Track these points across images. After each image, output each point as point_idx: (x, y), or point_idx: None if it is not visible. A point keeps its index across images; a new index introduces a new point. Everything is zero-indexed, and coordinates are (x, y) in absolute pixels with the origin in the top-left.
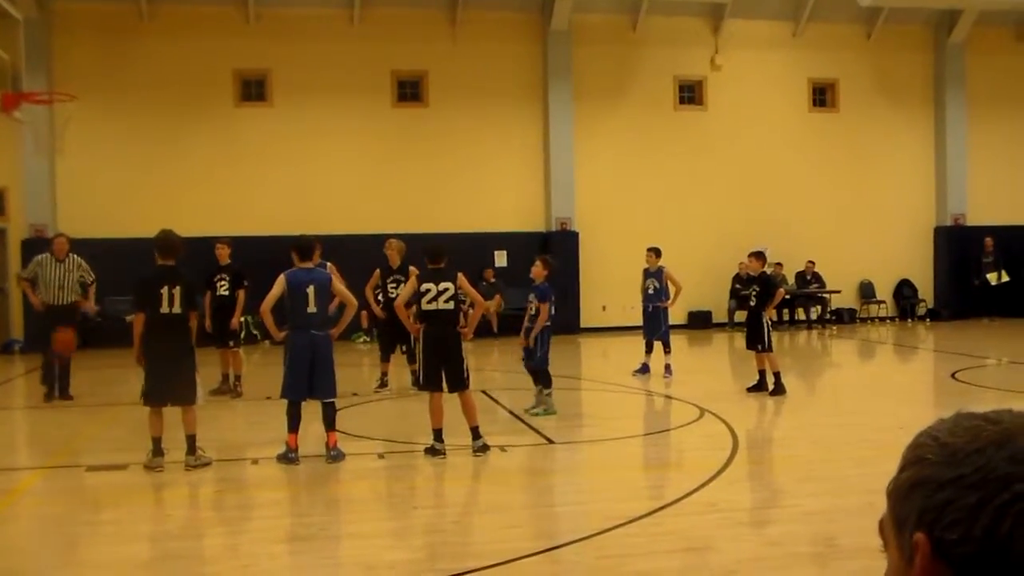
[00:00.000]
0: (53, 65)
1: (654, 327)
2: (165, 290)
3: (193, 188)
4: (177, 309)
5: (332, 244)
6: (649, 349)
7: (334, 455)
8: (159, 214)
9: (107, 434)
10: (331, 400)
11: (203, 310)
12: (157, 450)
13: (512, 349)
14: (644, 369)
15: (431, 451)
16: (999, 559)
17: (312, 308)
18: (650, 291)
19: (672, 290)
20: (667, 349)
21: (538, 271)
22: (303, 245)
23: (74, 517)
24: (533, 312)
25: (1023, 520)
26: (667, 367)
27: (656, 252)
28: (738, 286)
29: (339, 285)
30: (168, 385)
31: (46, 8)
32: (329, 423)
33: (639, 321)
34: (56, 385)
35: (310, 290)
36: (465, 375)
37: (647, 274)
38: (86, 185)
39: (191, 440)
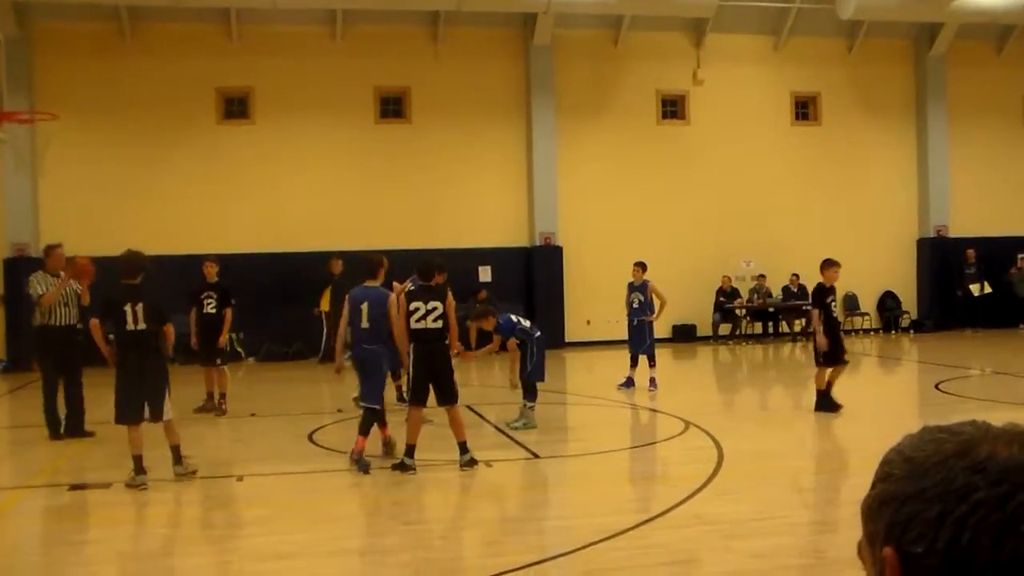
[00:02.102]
0: (34, 84)
1: (639, 341)
2: (128, 307)
3: (175, 206)
4: (142, 325)
5: (315, 261)
6: (634, 363)
7: (356, 460)
8: (141, 232)
9: (89, 453)
10: (370, 407)
11: (189, 327)
12: (139, 468)
13: (491, 364)
14: (629, 383)
15: (401, 467)
16: (963, 570)
17: (364, 324)
18: (635, 305)
19: (657, 304)
20: (652, 363)
21: (486, 325)
22: (367, 263)
23: (57, 537)
24: (509, 350)
25: (983, 530)
26: (652, 380)
27: (642, 266)
28: (722, 298)
29: (392, 309)
30: (139, 403)
31: (27, 27)
32: (362, 429)
33: (624, 335)
34: (65, 421)
35: (364, 307)
36: (454, 389)
37: (632, 288)
38: (68, 204)
39: (175, 450)
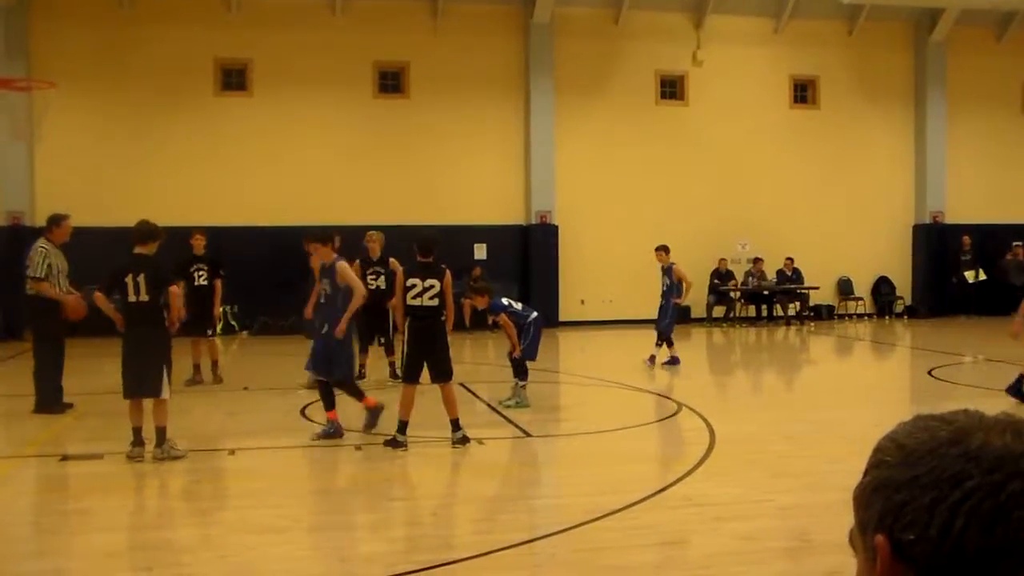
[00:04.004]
0: (32, 52)
1: (659, 320)
2: (130, 278)
3: (172, 177)
4: (144, 297)
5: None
6: (670, 342)
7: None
8: (138, 203)
9: (82, 424)
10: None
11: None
12: (137, 440)
13: (485, 342)
14: (674, 361)
15: (392, 443)
16: (955, 558)
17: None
18: (663, 287)
19: (684, 285)
20: (659, 342)
21: (479, 302)
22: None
23: (48, 506)
24: (501, 324)
25: (975, 518)
26: (652, 358)
27: (665, 249)
28: (716, 281)
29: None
30: (138, 377)
31: None
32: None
33: (617, 315)
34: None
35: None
36: (448, 366)
37: (661, 270)
38: (64, 173)
39: (160, 432)
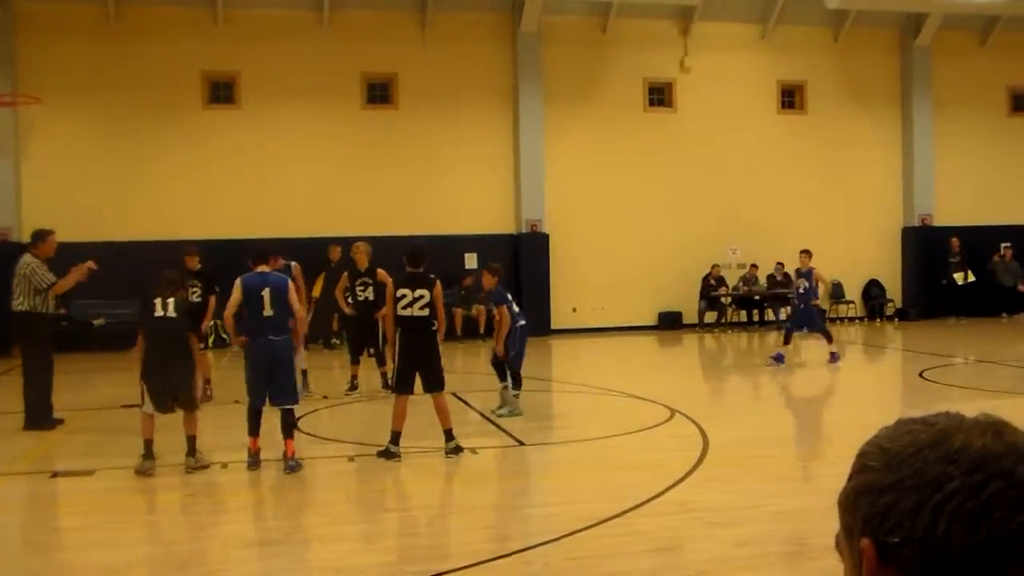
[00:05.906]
0: (17, 66)
1: (809, 323)
2: (159, 301)
3: (161, 191)
4: (172, 313)
5: (300, 247)
6: (787, 341)
7: (292, 465)
8: (125, 217)
9: (72, 440)
10: (289, 407)
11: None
12: (148, 453)
13: (477, 351)
14: (779, 358)
15: (385, 454)
16: (939, 558)
17: (268, 312)
18: (801, 290)
19: (821, 288)
20: (829, 339)
21: (487, 281)
22: (255, 250)
23: (39, 524)
24: (498, 318)
25: (958, 519)
26: (833, 355)
27: (807, 253)
28: (712, 283)
29: (292, 293)
30: (169, 390)
31: (10, 9)
32: (286, 431)
33: (609, 322)
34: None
35: (265, 293)
36: (440, 376)
37: (798, 274)
38: (51, 188)
39: (191, 441)
